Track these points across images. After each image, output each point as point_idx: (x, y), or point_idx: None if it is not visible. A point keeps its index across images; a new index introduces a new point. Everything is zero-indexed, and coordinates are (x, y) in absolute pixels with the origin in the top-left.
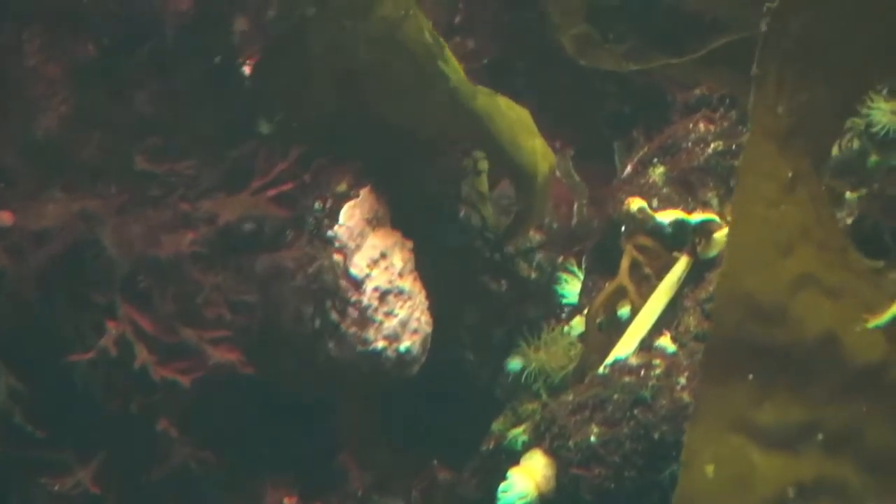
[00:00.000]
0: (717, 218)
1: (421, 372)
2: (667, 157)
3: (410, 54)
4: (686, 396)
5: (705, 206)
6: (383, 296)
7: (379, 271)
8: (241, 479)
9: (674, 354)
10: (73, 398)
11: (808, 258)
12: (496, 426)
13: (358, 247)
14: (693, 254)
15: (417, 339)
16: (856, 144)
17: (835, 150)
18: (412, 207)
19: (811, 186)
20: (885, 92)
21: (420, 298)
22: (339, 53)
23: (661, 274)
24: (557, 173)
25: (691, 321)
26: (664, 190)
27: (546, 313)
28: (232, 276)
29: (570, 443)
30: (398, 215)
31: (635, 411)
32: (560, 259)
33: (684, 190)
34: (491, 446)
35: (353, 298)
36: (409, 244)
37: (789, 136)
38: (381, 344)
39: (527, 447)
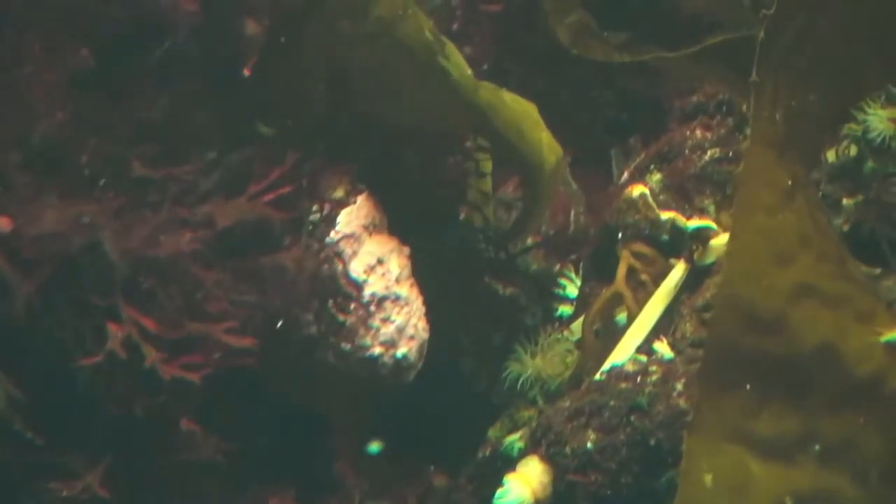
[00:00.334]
0: (713, 225)
1: (417, 378)
2: (664, 164)
3: (409, 52)
4: (683, 403)
5: (702, 212)
6: (380, 302)
7: (376, 277)
8: (239, 486)
9: (670, 361)
10: (78, 402)
11: (807, 268)
12: (492, 432)
13: (355, 253)
14: (690, 260)
15: (414, 345)
16: (853, 151)
17: (832, 157)
18: (412, 209)
19: (809, 194)
20: (882, 98)
21: (417, 304)
22: (336, 53)
23: (657, 281)
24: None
25: (688, 328)
26: (661, 197)
27: (544, 319)
28: (229, 280)
29: (567, 449)
30: (397, 218)
31: (632, 417)
32: (557, 266)
33: (681, 197)
34: (487, 453)
35: (350, 305)
36: (407, 250)
37: (787, 143)
38: (377, 350)
39: (523, 453)
